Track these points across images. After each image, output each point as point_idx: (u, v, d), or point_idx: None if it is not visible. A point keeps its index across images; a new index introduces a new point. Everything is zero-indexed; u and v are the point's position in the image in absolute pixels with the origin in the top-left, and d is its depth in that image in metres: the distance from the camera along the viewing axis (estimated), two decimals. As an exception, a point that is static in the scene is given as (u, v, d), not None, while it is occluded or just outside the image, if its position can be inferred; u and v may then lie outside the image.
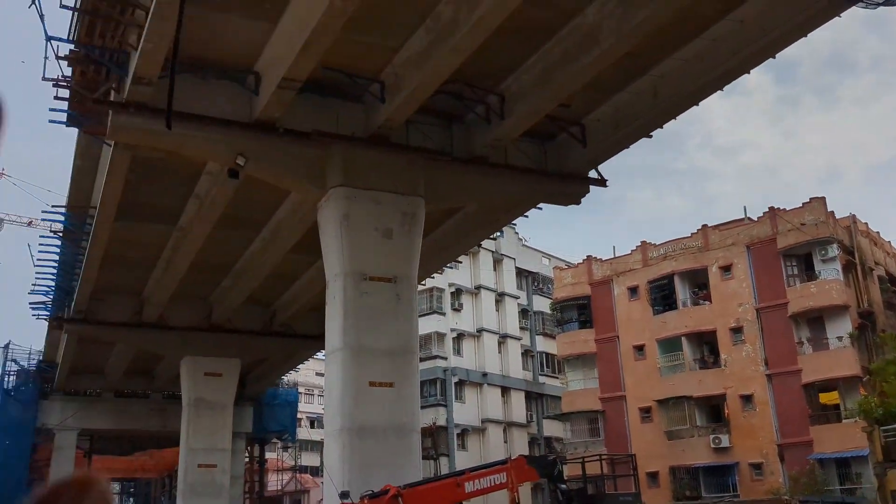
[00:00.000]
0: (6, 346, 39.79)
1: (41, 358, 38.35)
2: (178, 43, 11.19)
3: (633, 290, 41.26)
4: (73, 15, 14.19)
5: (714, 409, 38.12)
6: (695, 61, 14.95)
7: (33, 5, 13.37)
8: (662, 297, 40.45)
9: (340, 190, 15.61)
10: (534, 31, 14.17)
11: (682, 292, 39.70)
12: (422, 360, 23.86)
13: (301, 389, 52.83)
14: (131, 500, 65.67)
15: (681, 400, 38.06)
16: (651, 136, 17.69)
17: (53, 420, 37.56)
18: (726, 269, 38.26)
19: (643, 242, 41.87)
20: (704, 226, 39.99)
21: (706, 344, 38.98)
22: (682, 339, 38.80)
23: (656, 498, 35.06)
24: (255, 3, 13.32)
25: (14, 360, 39.03)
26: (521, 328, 51.89)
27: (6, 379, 38.53)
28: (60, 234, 25.26)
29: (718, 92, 15.88)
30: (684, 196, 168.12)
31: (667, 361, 39.33)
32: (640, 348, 40.38)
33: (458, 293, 48.56)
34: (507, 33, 13.40)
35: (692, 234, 40.29)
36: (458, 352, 47.63)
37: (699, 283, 39.62)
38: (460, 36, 12.69)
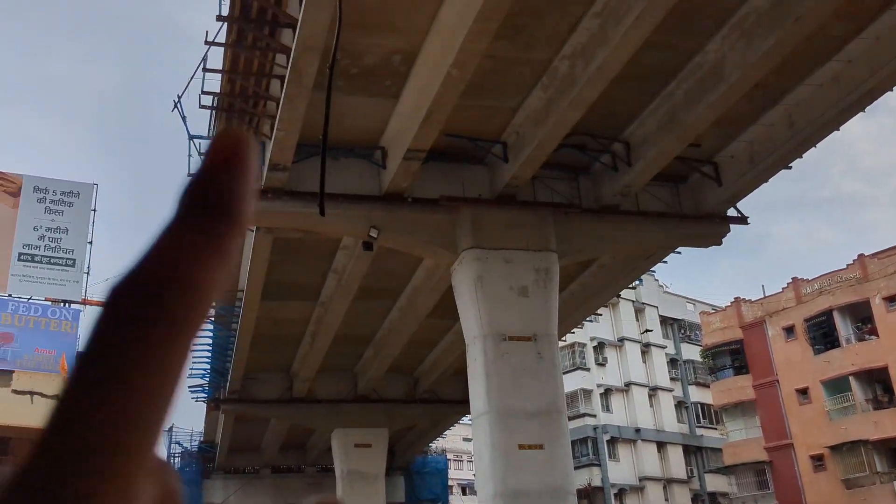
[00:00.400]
0: (170, 430, 42.05)
1: (202, 439, 40.23)
2: (326, 136, 11.68)
3: (789, 330, 38.92)
4: (210, 113, 15.19)
5: (895, 452, 34.93)
6: (831, 85, 14.18)
7: (176, 109, 14.43)
8: (822, 334, 37.91)
9: (472, 252, 15.66)
10: (653, 74, 13.91)
11: (843, 328, 37.09)
12: (570, 418, 23.29)
13: (450, 456, 52.67)
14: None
15: (856, 445, 35.17)
16: (791, 168, 16.82)
17: (217, 498, 39.07)
18: (891, 299, 35.46)
19: (794, 279, 39.62)
20: (861, 255, 37.43)
21: (878, 382, 36.01)
22: (850, 378, 36.07)
23: (840, 554, 32.26)
24: (377, 82, 13.79)
25: (177, 443, 41.17)
26: (672, 379, 49.87)
27: (171, 460, 40.63)
28: (212, 319, 26.65)
29: (860, 114, 14.95)
30: (834, 226, 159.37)
31: (835, 404, 36.61)
32: (803, 392, 37.83)
33: (600, 347, 47.41)
34: (626, 80, 13.21)
35: (848, 265, 37.78)
36: (606, 408, 46.25)
37: (862, 316, 36.89)
38: (578, 89, 12.61)
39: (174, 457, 40.68)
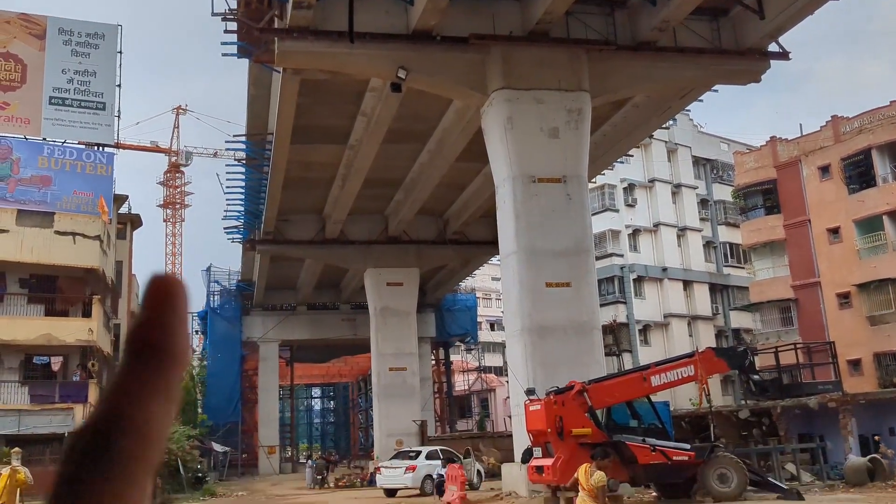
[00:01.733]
0: (208, 269, 43.44)
1: (239, 278, 41.65)
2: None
3: (825, 170, 38.26)
4: (230, -54, 14.58)
5: (922, 291, 35.11)
6: None
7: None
8: (858, 174, 37.25)
9: (502, 93, 15.37)
10: None
11: (881, 167, 36.36)
12: (597, 258, 23.49)
13: (478, 294, 54.13)
14: (332, 402, 71.05)
15: (884, 283, 35.39)
16: (839, -2, 15.94)
17: (256, 333, 40.97)
18: (933, 137, 34.48)
19: (834, 117, 38.48)
20: (905, 92, 36.05)
21: (912, 222, 35.67)
22: (884, 217, 35.76)
23: (860, 385, 33.23)
24: None
25: (216, 282, 42.63)
26: (702, 219, 49.88)
27: (212, 298, 42.28)
28: (244, 162, 26.82)
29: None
30: (881, 61, 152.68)
31: (866, 243, 36.54)
32: (834, 231, 37.69)
33: (630, 188, 47.23)
34: None
35: (891, 101, 36.49)
36: (634, 248, 46.70)
37: (901, 156, 36.04)
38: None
39: (213, 294, 42.30)
